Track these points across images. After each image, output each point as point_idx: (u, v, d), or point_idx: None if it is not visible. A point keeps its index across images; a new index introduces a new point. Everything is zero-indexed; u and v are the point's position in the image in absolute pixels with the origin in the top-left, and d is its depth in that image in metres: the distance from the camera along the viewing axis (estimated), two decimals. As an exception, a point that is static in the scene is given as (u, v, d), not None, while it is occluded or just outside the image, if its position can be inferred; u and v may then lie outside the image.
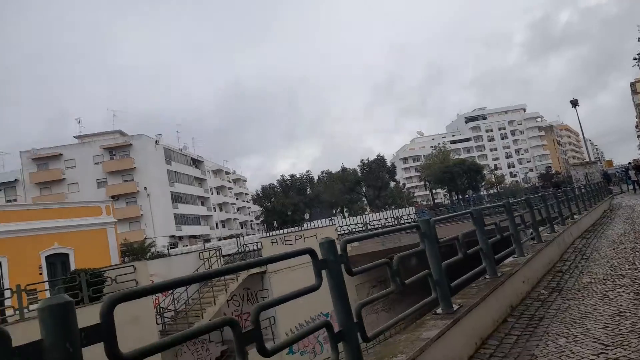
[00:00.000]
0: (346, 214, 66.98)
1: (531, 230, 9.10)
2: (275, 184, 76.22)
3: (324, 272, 3.00)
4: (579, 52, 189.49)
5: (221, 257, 21.66)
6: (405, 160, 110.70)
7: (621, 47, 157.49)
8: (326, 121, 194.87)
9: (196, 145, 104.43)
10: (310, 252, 2.99)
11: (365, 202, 75.84)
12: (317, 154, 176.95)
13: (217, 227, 77.20)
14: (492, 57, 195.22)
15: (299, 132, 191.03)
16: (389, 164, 72.04)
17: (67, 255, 22.14)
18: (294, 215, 64.42)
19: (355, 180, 68.57)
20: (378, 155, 70.31)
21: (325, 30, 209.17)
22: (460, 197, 65.56)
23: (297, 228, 29.81)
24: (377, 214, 33.52)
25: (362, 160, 70.08)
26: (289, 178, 75.67)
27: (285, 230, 27.58)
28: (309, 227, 27.24)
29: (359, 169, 70.33)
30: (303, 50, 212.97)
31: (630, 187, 26.15)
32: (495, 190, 73.21)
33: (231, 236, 62.29)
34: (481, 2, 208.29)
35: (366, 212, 61.72)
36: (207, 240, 59.73)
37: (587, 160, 52.40)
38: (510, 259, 7.40)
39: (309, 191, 75.02)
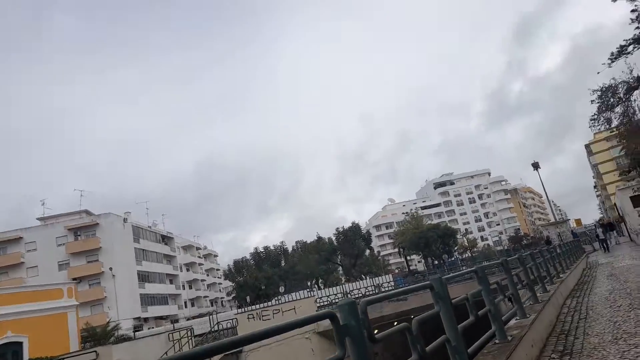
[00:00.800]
0: (321, 285, 65.20)
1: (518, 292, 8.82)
2: (248, 257, 74.08)
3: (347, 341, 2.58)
4: (533, 119, 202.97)
5: (193, 338, 20.08)
6: (378, 227, 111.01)
7: (572, 112, 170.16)
8: (299, 192, 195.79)
9: (166, 221, 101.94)
10: (331, 316, 2.59)
11: (341, 271, 74.39)
12: (290, 225, 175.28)
13: (186, 306, 73.29)
14: (456, 125, 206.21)
15: (272, 205, 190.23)
16: (363, 232, 71.82)
17: (20, 343, 19.99)
18: (268, 289, 62.19)
19: (331, 249, 67.53)
20: (353, 223, 70.20)
21: (298, 102, 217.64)
22: (436, 262, 65.31)
23: (273, 302, 28.41)
24: (356, 282, 32.56)
25: (338, 228, 69.66)
26: (262, 250, 73.88)
27: (261, 305, 26.18)
28: (287, 300, 26.01)
29: (334, 238, 69.60)
30: (276, 123, 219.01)
31: (599, 244, 26.59)
32: (469, 254, 73.64)
33: (200, 315, 58.97)
34: (443, 75, 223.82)
35: (342, 282, 60.45)
36: (175, 321, 56.21)
37: (553, 220, 53.86)
38: (513, 321, 7.02)
39: (283, 263, 73.15)
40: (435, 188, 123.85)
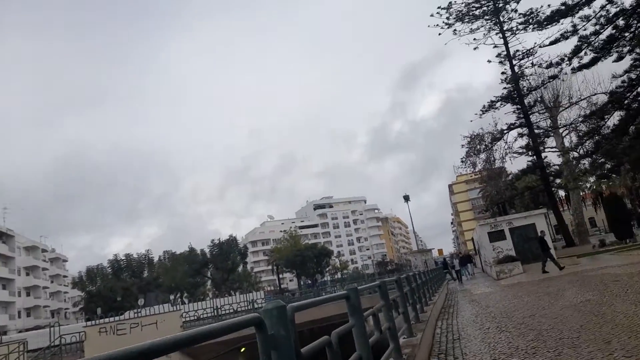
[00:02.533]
0: (186, 300, 61.57)
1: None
2: (106, 264, 66.73)
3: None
4: (408, 156, 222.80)
5: (25, 353, 16.78)
6: (254, 243, 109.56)
7: (441, 156, 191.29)
8: (174, 200, 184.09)
9: (8, 217, 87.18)
10: (258, 323, 1.86)
11: (209, 286, 71.21)
12: (160, 234, 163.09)
13: (20, 316, 62.96)
14: (341, 152, 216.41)
15: (142, 210, 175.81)
16: (240, 246, 69.86)
17: None
18: (124, 301, 56.57)
19: (203, 262, 64.12)
20: (230, 236, 67.87)
21: (185, 109, 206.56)
22: (309, 281, 66.27)
23: (130, 315, 25.39)
24: (228, 297, 31.01)
25: (213, 240, 66.65)
26: (123, 258, 67.19)
27: (117, 318, 23.22)
28: (148, 314, 23.44)
29: (208, 250, 66.28)
30: (156, 127, 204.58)
31: (455, 275, 29.20)
32: (340, 276, 76.36)
33: (37, 327, 50.92)
34: (334, 103, 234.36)
35: (208, 297, 57.76)
36: (4, 333, 47.67)
37: (416, 249, 58.68)
38: (401, 340, 6.85)
39: (146, 274, 67.40)
40: (315, 209, 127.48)
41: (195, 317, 22.26)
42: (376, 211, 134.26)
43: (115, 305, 54.58)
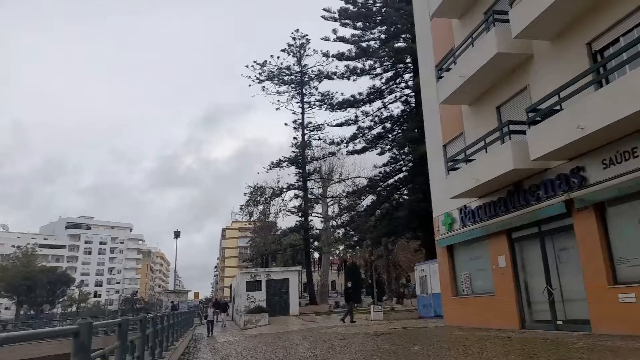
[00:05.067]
0: None
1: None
2: None
3: None
4: (191, 193, 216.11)
5: None
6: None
7: (223, 199, 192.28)
8: None
9: None
10: None
11: None
12: None
13: None
14: (119, 172, 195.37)
15: None
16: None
17: None
18: None
19: None
20: None
21: None
22: (32, 311, 54.90)
23: None
24: None
25: None
26: None
27: None
28: None
29: None
30: None
31: (206, 324, 28.20)
32: (75, 309, 66.20)
33: None
34: (125, 120, 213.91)
35: None
36: None
37: (172, 289, 56.30)
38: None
39: None
40: (67, 227, 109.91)
41: None
42: (140, 242, 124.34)
43: None
